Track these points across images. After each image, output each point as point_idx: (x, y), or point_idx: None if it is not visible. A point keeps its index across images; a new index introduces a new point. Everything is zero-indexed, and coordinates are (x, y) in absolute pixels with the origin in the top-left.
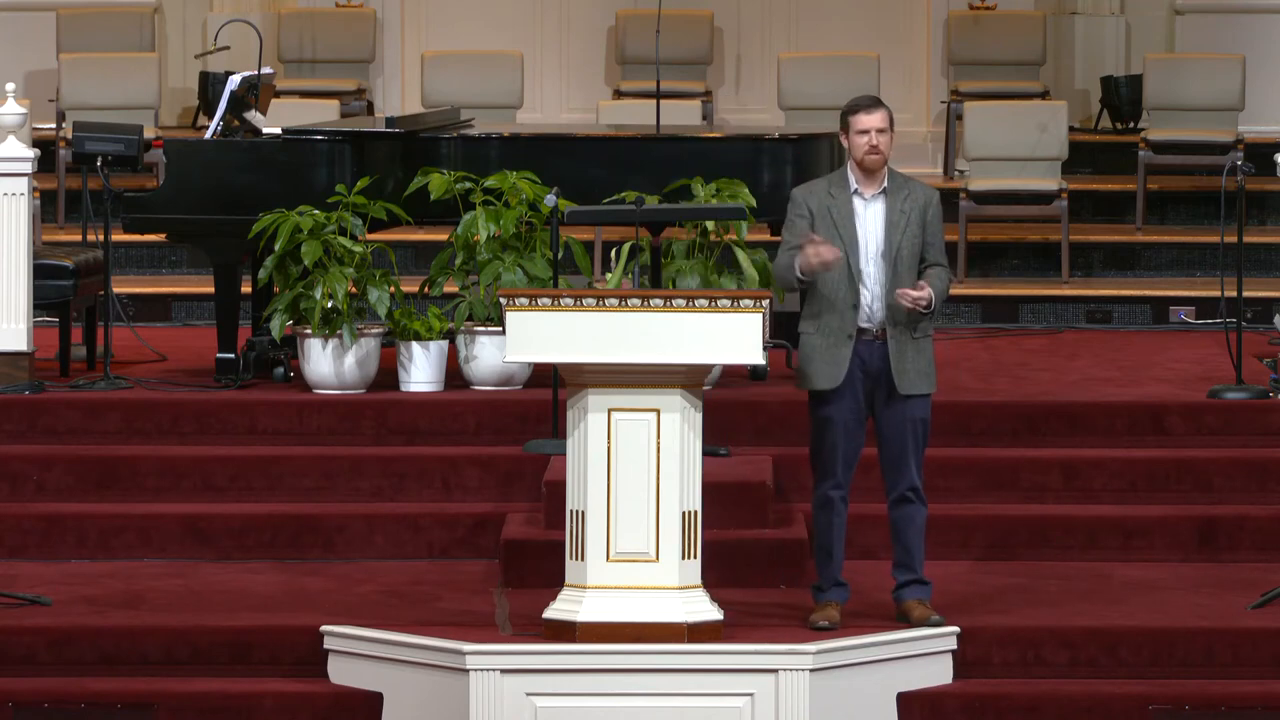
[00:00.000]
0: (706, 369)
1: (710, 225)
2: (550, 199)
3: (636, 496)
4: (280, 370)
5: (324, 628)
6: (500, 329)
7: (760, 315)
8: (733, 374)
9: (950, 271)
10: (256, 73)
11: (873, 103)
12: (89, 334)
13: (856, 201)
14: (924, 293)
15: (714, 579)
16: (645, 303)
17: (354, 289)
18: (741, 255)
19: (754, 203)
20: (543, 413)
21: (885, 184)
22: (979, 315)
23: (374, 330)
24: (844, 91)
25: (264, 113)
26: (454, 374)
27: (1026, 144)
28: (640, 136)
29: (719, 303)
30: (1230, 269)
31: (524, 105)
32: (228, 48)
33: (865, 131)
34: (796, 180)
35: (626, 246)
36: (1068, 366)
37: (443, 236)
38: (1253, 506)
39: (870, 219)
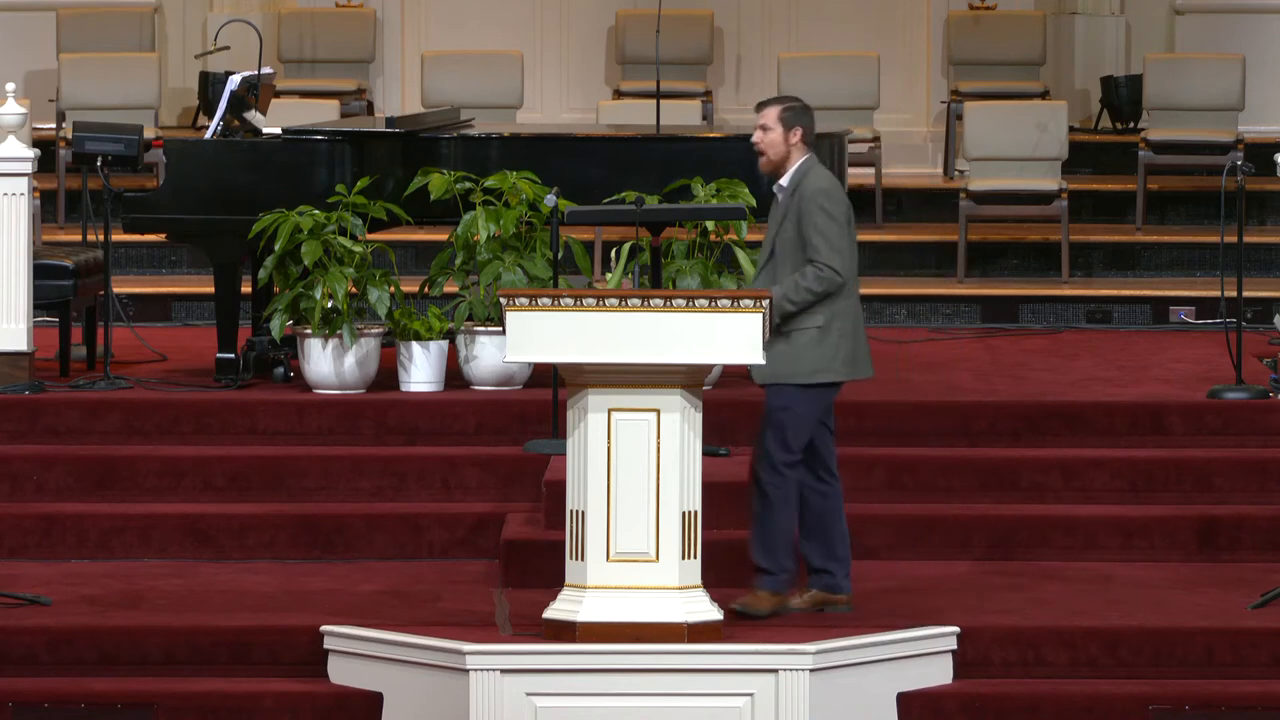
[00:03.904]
0: (706, 369)
1: (710, 225)
2: (550, 199)
3: (636, 496)
4: (280, 370)
5: (324, 628)
6: (500, 329)
7: (760, 315)
8: (733, 374)
9: (821, 269)
10: (256, 73)
11: (764, 102)
12: (89, 334)
13: (779, 196)
14: None
15: (714, 579)
16: (645, 303)
17: (354, 289)
18: (741, 255)
19: (754, 203)
20: (543, 413)
21: (787, 180)
22: (979, 315)
23: (374, 330)
24: (844, 92)
25: (264, 113)
26: (454, 374)
27: (1026, 144)
28: (640, 136)
29: (719, 303)
30: (1230, 269)
31: (524, 105)
32: (228, 48)
33: (755, 130)
34: None
35: (626, 246)
36: (1068, 366)
37: (443, 236)
38: (1253, 506)
39: (774, 213)
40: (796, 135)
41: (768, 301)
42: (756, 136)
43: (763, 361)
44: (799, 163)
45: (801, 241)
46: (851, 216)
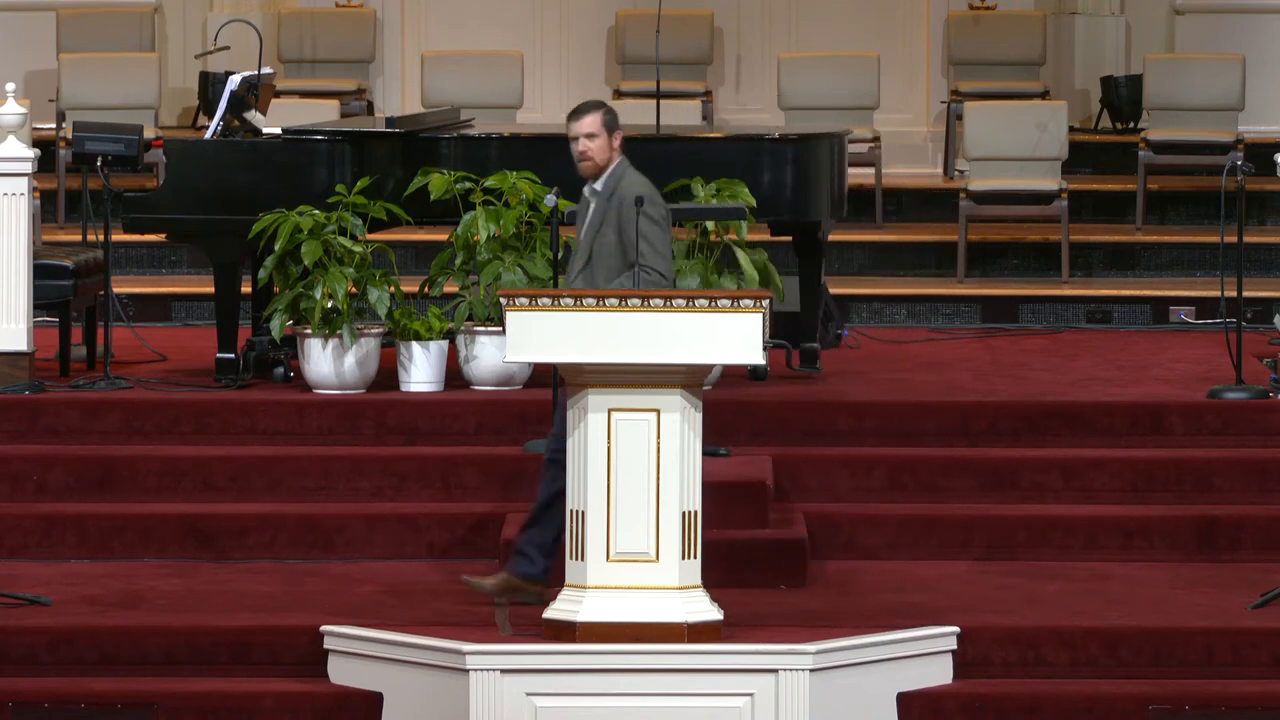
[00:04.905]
0: (706, 369)
1: (710, 225)
2: (550, 199)
3: (636, 496)
4: (280, 370)
5: (324, 628)
6: (500, 329)
7: (760, 315)
8: (733, 374)
9: (649, 273)
10: (256, 73)
11: (583, 109)
12: (89, 334)
13: (590, 200)
14: None
15: (714, 579)
16: (645, 303)
17: (354, 289)
18: (741, 255)
19: (754, 203)
20: (543, 413)
21: (602, 183)
22: (979, 315)
23: (374, 330)
24: (844, 92)
25: (264, 113)
26: (454, 374)
27: (1026, 144)
28: (640, 136)
29: (719, 303)
30: (1230, 269)
31: (524, 105)
32: (228, 48)
33: (575, 139)
34: (796, 180)
35: None
36: (1068, 366)
37: (443, 236)
38: (1253, 506)
39: (588, 216)
40: (618, 139)
41: (768, 302)
42: (582, 145)
43: (763, 361)
44: (613, 166)
45: (622, 246)
46: (670, 220)
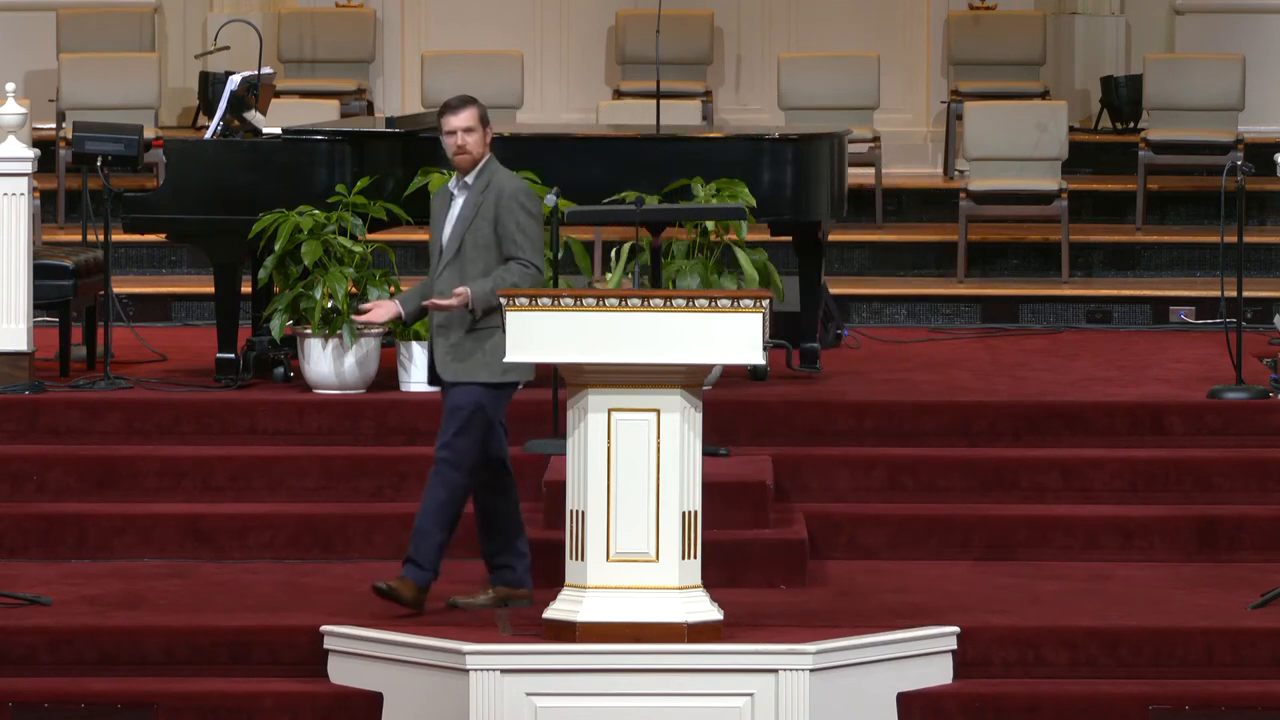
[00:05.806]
0: (706, 369)
1: (710, 225)
2: (550, 199)
3: (636, 496)
4: (280, 370)
5: (324, 628)
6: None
7: (760, 315)
8: (733, 374)
9: (527, 266)
10: (256, 73)
11: (460, 103)
12: (89, 334)
13: (456, 194)
14: (451, 301)
15: (714, 579)
16: (645, 303)
17: (354, 289)
18: (741, 255)
19: (754, 203)
20: (543, 413)
21: (472, 178)
22: (979, 315)
23: (374, 330)
24: (844, 92)
25: (264, 113)
26: None
27: (1026, 144)
28: (640, 136)
29: (719, 303)
30: (1230, 269)
31: (524, 105)
32: (228, 48)
33: (452, 132)
34: (796, 180)
35: (626, 246)
36: (1068, 366)
37: None
38: (1253, 506)
39: (454, 213)
40: (489, 134)
41: (768, 302)
42: (460, 138)
43: (763, 361)
44: (485, 160)
45: (497, 239)
46: (543, 216)
